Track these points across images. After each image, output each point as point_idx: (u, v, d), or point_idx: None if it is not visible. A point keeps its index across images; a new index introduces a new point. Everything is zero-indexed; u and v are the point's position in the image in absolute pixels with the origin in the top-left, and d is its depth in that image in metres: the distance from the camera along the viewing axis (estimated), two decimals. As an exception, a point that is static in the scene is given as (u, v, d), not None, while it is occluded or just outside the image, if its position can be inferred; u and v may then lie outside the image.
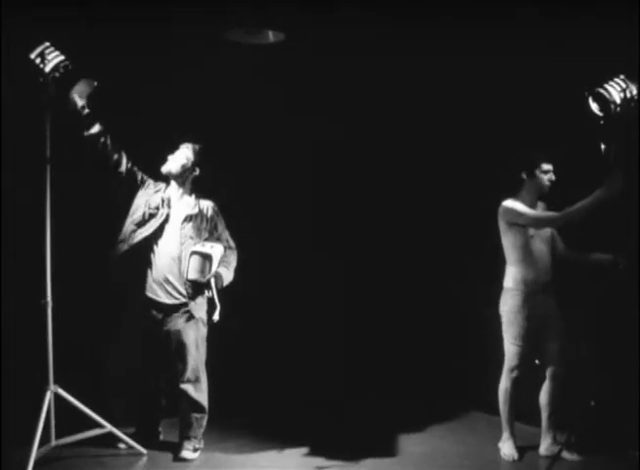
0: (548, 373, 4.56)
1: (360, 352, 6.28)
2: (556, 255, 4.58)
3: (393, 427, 5.18)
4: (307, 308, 6.24)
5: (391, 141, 6.14)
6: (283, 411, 5.54)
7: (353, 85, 5.80)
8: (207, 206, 4.63)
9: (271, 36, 5.18)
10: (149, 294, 4.46)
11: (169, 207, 4.50)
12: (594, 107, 4.08)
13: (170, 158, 4.58)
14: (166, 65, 5.33)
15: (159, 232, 4.45)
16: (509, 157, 4.64)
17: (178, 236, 4.47)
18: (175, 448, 4.60)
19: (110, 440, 4.62)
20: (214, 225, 4.61)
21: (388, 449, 4.76)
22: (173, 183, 4.58)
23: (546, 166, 4.48)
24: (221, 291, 4.53)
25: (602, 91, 4.03)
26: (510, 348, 4.55)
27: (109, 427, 4.48)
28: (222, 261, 4.52)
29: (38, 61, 4.08)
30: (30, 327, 4.43)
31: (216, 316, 4.48)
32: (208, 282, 4.42)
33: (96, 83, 4.28)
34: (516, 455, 4.57)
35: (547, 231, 4.53)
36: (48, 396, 4.22)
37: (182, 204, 4.56)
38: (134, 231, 4.45)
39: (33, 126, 4.28)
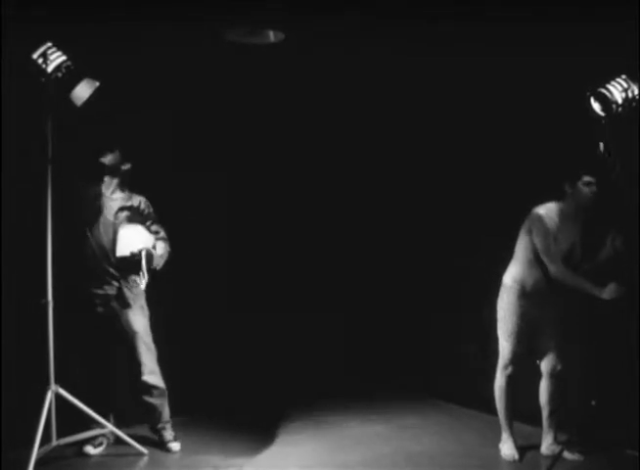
0: (546, 372, 4.56)
1: (359, 351, 6.30)
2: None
3: (393, 426, 5.19)
4: (305, 307, 6.27)
5: (389, 140, 6.15)
6: (283, 411, 5.54)
7: (354, 86, 5.80)
8: (140, 199, 4.74)
9: (272, 36, 5.19)
10: (91, 288, 4.56)
11: (103, 199, 4.60)
12: (596, 107, 4.09)
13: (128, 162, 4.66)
14: (166, 65, 5.33)
15: (94, 225, 4.55)
16: (553, 166, 4.62)
17: (112, 227, 4.57)
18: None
19: (110, 439, 4.66)
20: (146, 217, 4.71)
21: (387, 449, 4.75)
22: (106, 178, 4.63)
23: (588, 179, 4.41)
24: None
25: (604, 91, 4.03)
26: (504, 344, 4.56)
27: (109, 427, 4.49)
28: (152, 247, 4.63)
29: (40, 61, 4.08)
30: (31, 327, 4.43)
31: (143, 286, 4.60)
32: (139, 256, 4.52)
33: (98, 84, 4.28)
34: (516, 455, 4.56)
35: (565, 248, 4.48)
36: (49, 395, 4.22)
37: (116, 197, 4.66)
38: (76, 227, 4.54)
39: (35, 126, 4.28)
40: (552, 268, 4.40)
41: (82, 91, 4.27)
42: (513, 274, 4.54)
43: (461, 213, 5.78)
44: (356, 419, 5.37)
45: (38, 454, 4.09)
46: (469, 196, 5.72)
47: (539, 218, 4.44)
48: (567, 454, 4.45)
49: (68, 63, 4.14)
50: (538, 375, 4.58)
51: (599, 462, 4.47)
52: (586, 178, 4.41)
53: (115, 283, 4.60)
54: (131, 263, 4.55)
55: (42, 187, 4.24)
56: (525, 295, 4.48)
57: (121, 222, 4.59)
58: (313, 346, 6.28)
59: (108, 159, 4.61)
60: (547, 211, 4.46)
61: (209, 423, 5.09)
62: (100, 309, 4.58)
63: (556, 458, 4.35)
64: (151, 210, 4.77)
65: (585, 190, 4.42)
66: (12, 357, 4.91)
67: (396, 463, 4.51)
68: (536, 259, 4.46)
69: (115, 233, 4.56)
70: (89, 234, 4.55)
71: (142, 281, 4.59)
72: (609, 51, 4.41)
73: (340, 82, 5.75)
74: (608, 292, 4.25)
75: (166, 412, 4.73)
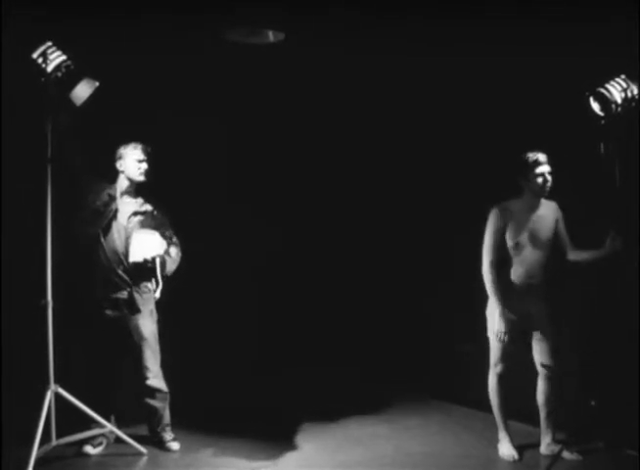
0: (542, 373, 4.56)
1: (360, 352, 6.29)
2: (562, 260, 4.58)
3: (394, 426, 5.19)
4: (306, 308, 6.27)
5: (387, 139, 6.15)
6: (284, 411, 5.54)
7: (353, 85, 5.81)
8: (153, 204, 4.72)
9: (271, 36, 5.19)
10: (104, 291, 4.55)
11: (116, 204, 4.58)
12: (595, 107, 4.09)
13: (144, 166, 4.60)
14: (166, 64, 5.34)
15: (106, 229, 4.53)
16: (506, 162, 4.63)
17: (125, 232, 4.55)
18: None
19: (110, 439, 4.66)
20: (159, 224, 4.67)
21: (387, 449, 4.75)
22: (121, 182, 4.62)
23: (539, 169, 4.43)
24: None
25: (603, 91, 4.03)
26: (492, 342, 4.57)
27: (109, 426, 4.50)
28: (165, 253, 4.61)
29: (40, 60, 4.08)
30: (31, 327, 4.44)
31: (158, 294, 4.60)
32: (152, 263, 4.50)
33: (97, 83, 4.28)
34: (516, 455, 4.56)
35: (545, 237, 4.52)
36: (48, 395, 4.22)
37: (129, 201, 4.64)
38: (83, 228, 4.52)
39: (35, 126, 4.28)
40: (483, 264, 4.49)
41: (82, 91, 4.27)
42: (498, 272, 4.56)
43: (460, 213, 5.76)
44: (357, 419, 5.36)
45: (38, 454, 4.09)
46: (470, 195, 5.70)
47: (491, 214, 4.52)
48: (566, 454, 4.45)
49: (68, 62, 4.14)
50: (535, 374, 4.58)
51: (598, 462, 4.47)
52: (537, 170, 4.43)
53: (127, 288, 4.57)
54: (144, 269, 4.53)
55: (43, 187, 4.24)
56: (510, 293, 4.50)
57: (134, 227, 4.56)
58: (314, 347, 6.28)
59: (120, 162, 4.61)
60: (504, 206, 4.51)
61: (210, 423, 5.08)
62: (109, 313, 4.56)
63: (555, 458, 4.36)
64: (164, 215, 4.74)
65: (538, 181, 4.44)
66: (13, 357, 4.93)
67: (396, 463, 4.51)
68: (514, 258, 4.48)
69: (129, 238, 4.53)
70: (102, 238, 4.53)
71: (157, 290, 4.59)
72: (608, 51, 4.41)
73: (339, 82, 5.76)
74: (498, 325, 4.41)
75: (167, 415, 4.73)
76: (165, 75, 5.42)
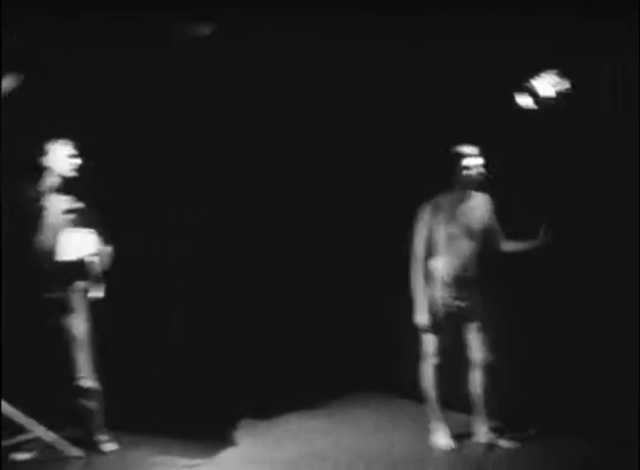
0: (477, 363, 4.62)
1: (307, 346, 6.27)
2: (494, 252, 4.65)
3: (334, 420, 5.23)
4: (256, 306, 6.22)
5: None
6: (221, 408, 5.51)
7: (282, 77, 5.76)
8: (86, 202, 4.62)
9: (200, 29, 5.13)
10: (35, 290, 4.46)
11: (45, 201, 4.49)
12: (527, 101, 4.17)
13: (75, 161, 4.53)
14: (121, 59, 5.23)
15: (39, 227, 4.44)
16: (436, 157, 4.68)
17: (57, 230, 4.47)
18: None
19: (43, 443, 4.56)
20: (91, 221, 4.60)
21: (326, 443, 4.77)
22: (50, 179, 4.51)
23: (467, 162, 4.51)
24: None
25: (535, 85, 4.11)
26: (429, 335, 4.62)
27: (41, 430, 4.40)
28: (98, 251, 4.57)
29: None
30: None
31: (101, 293, 4.57)
32: (86, 262, 4.45)
33: (22, 77, 4.17)
34: (452, 444, 4.62)
35: (477, 229, 4.58)
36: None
37: (60, 198, 4.55)
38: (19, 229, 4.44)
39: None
40: (413, 258, 4.60)
41: (5, 84, 4.15)
42: (435, 265, 4.62)
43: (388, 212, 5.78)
44: (297, 414, 5.36)
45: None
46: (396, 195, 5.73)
47: (421, 209, 4.61)
48: (502, 442, 4.54)
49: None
50: (469, 365, 4.64)
51: (533, 449, 4.55)
52: (464, 163, 4.51)
53: (59, 287, 4.49)
54: (77, 268, 4.47)
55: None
56: (445, 285, 4.56)
57: (67, 225, 4.48)
58: (255, 339, 6.22)
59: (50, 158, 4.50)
60: (434, 201, 4.60)
61: (145, 422, 5.01)
62: (42, 312, 4.46)
63: (491, 446, 4.43)
64: (96, 213, 4.65)
65: (467, 173, 4.52)
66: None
67: (337, 457, 4.51)
68: (445, 251, 4.55)
69: (61, 236, 4.44)
70: (34, 236, 4.42)
71: (100, 288, 4.54)
72: (542, 44, 4.47)
73: (271, 74, 5.71)
74: (418, 318, 4.55)
75: (101, 416, 4.64)
76: (111, 70, 5.30)
